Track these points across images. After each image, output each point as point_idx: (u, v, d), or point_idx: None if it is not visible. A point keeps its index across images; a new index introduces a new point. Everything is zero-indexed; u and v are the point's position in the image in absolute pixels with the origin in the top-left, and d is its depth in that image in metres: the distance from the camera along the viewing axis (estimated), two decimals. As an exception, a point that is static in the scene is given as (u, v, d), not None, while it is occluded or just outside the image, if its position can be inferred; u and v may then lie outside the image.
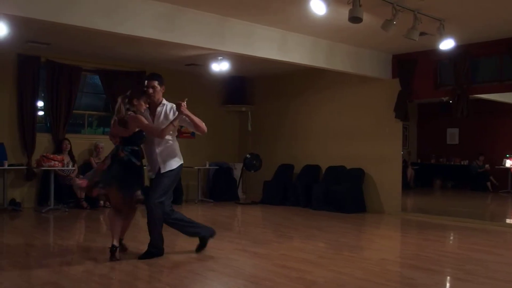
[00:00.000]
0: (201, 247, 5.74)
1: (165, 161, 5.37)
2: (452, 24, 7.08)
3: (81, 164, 9.95)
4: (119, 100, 5.39)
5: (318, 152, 10.77)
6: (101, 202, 9.53)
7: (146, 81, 5.43)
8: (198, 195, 11.10)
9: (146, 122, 5.31)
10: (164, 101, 5.45)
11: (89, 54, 9.65)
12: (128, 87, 10.55)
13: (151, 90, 5.36)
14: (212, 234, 5.78)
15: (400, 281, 4.91)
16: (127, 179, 5.32)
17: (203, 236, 5.73)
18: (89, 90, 11.00)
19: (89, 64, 10.21)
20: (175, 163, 5.42)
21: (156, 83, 5.37)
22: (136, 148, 5.40)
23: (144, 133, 5.36)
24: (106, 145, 10.23)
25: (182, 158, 5.53)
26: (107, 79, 10.45)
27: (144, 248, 5.56)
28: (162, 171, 5.35)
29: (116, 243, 5.35)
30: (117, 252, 5.33)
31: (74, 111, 10.14)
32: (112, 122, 5.50)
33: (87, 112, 10.74)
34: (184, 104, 5.21)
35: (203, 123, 5.37)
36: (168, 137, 5.35)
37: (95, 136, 10.67)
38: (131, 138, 5.34)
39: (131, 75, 10.64)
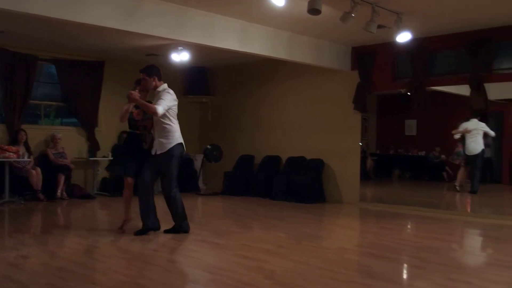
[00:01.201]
0: (140, 232, 6.13)
1: (161, 143, 5.99)
2: (409, 17, 7.21)
3: (37, 155, 9.73)
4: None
5: (278, 143, 10.84)
6: (58, 193, 9.36)
7: None
8: (158, 186, 10.98)
9: (124, 109, 6.13)
10: (160, 87, 6.05)
11: (45, 42, 9.41)
12: (86, 77, 10.46)
13: (142, 82, 6.09)
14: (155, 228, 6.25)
15: (357, 269, 5.02)
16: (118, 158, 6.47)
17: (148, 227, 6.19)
18: (47, 79, 10.73)
19: (45, 53, 9.97)
20: (169, 145, 5.97)
21: (144, 75, 6.06)
22: (137, 132, 6.28)
23: (133, 118, 6.20)
24: (64, 135, 10.07)
25: (180, 139, 6.06)
26: (63, 69, 10.24)
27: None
28: (158, 152, 6.00)
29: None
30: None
31: (30, 101, 9.90)
32: None
33: (44, 102, 10.50)
34: (132, 92, 5.80)
35: (153, 107, 5.78)
36: (163, 120, 5.93)
37: (52, 127, 10.45)
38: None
39: (89, 64, 10.47)
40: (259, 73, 11.21)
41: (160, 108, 5.77)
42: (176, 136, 6.04)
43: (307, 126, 10.37)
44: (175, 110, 6.07)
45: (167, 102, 5.89)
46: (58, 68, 10.26)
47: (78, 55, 10.32)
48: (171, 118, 6.01)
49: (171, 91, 6.05)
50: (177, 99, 6.12)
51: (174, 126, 6.04)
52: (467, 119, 10.89)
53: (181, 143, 6.09)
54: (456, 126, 11.32)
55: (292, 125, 10.65)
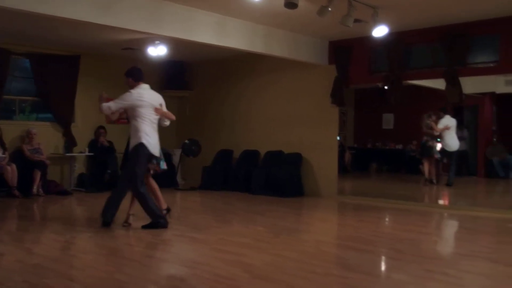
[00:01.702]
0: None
1: (131, 140, 6.15)
2: (385, 12, 7.25)
3: (12, 151, 9.57)
4: None
5: (257, 137, 10.83)
6: (34, 189, 9.23)
7: None
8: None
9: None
10: (136, 88, 6.12)
11: (19, 36, 9.24)
12: (61, 72, 10.30)
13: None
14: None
15: (335, 262, 5.06)
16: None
17: None
18: (22, 74, 10.54)
19: (19, 47, 9.79)
20: (132, 144, 6.11)
21: (125, 77, 6.24)
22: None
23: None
24: (40, 131, 9.93)
25: (144, 138, 6.03)
26: (38, 63, 10.07)
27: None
28: (129, 150, 6.20)
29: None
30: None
31: (4, 97, 9.72)
32: None
33: (19, 97, 10.32)
34: (100, 95, 6.10)
35: (104, 108, 6.04)
36: (131, 119, 6.13)
37: (28, 122, 10.28)
38: None
39: (64, 59, 10.31)
40: (237, 67, 11.19)
41: (104, 106, 6.02)
42: (139, 135, 6.04)
43: (285, 120, 10.38)
44: (140, 110, 6.03)
45: (119, 100, 6.05)
46: (33, 62, 10.09)
47: (53, 49, 10.17)
48: (136, 117, 6.05)
49: (135, 91, 6.07)
50: (144, 100, 6.07)
51: (138, 126, 6.05)
52: (441, 116, 11.07)
53: (142, 143, 6.02)
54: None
55: (270, 119, 10.65)
